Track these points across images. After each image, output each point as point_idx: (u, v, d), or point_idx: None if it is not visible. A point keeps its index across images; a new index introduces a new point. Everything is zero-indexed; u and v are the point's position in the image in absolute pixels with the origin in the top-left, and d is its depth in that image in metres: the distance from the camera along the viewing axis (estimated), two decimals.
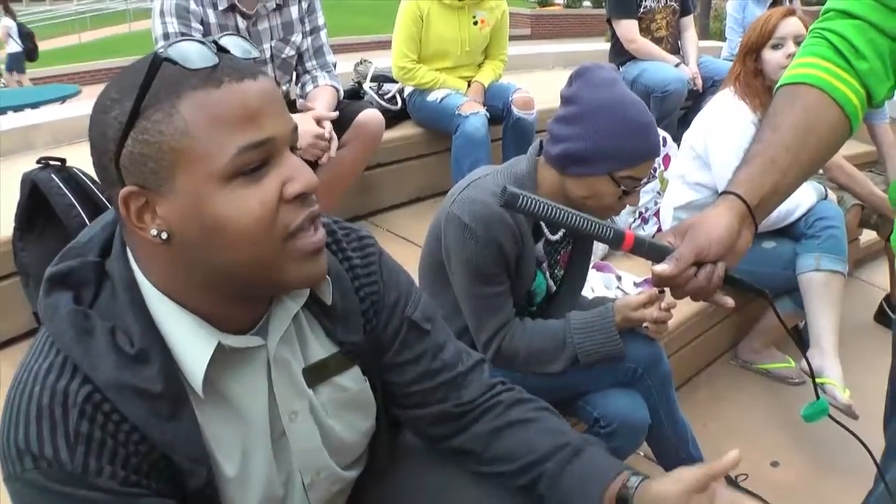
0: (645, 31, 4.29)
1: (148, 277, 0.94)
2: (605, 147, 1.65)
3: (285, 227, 0.90)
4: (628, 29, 4.25)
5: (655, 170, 3.38)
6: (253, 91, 0.87)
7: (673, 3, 4.35)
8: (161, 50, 0.84)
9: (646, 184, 1.76)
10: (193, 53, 0.84)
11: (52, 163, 2.25)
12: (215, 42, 0.89)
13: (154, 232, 0.88)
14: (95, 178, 2.30)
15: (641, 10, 4.27)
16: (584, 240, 1.99)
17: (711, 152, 2.76)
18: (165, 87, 0.84)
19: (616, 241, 1.06)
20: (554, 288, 1.98)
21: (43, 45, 20.11)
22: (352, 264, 1.15)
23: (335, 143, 2.65)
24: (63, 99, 6.52)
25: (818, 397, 1.31)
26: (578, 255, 2.00)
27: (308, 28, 2.87)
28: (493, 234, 1.69)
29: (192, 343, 0.95)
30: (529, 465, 1.19)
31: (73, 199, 2.17)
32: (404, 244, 3.18)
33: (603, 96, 1.67)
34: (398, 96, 3.72)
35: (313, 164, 2.60)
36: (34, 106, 5.60)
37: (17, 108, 5.19)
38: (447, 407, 1.23)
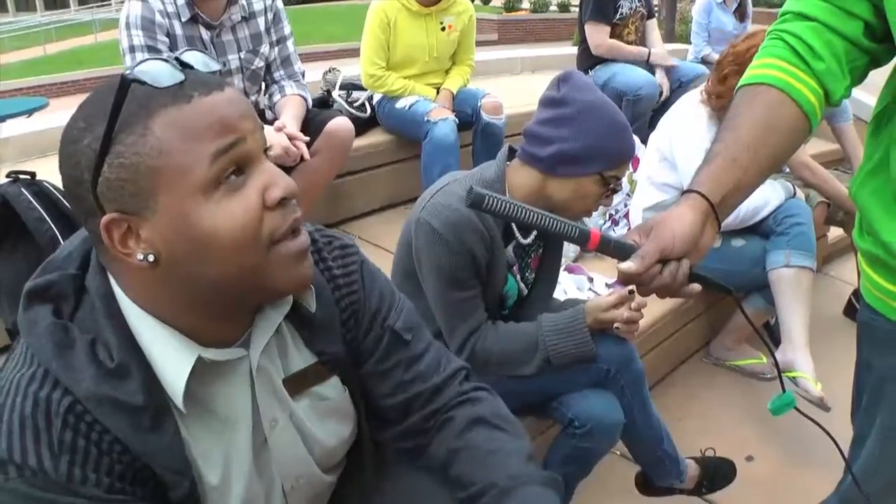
0: (617, 37, 4.38)
1: (128, 294, 0.94)
2: (597, 146, 1.71)
3: (270, 234, 0.91)
4: (599, 34, 4.33)
5: None
6: (222, 102, 0.88)
7: (641, 9, 4.45)
8: (128, 72, 0.84)
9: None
10: (160, 72, 0.85)
11: (21, 177, 2.23)
12: (177, 59, 0.90)
13: (140, 256, 0.88)
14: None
15: (617, 16, 4.35)
16: (554, 243, 2.01)
17: (677, 153, 2.80)
18: (135, 109, 0.84)
19: (582, 240, 1.08)
20: (525, 291, 1.99)
21: (7, 58, 19.93)
22: (332, 274, 1.15)
23: (305, 150, 2.65)
24: (30, 112, 6.40)
25: (784, 390, 1.33)
26: (549, 259, 2.02)
27: (275, 38, 2.86)
28: (463, 239, 1.70)
29: (171, 357, 0.95)
30: (470, 498, 1.17)
31: (43, 213, 2.15)
32: (376, 251, 3.18)
33: (591, 98, 1.73)
34: (367, 104, 3.72)
35: (286, 171, 2.60)
36: (0, 119, 5.52)
37: None
38: (415, 420, 1.23)
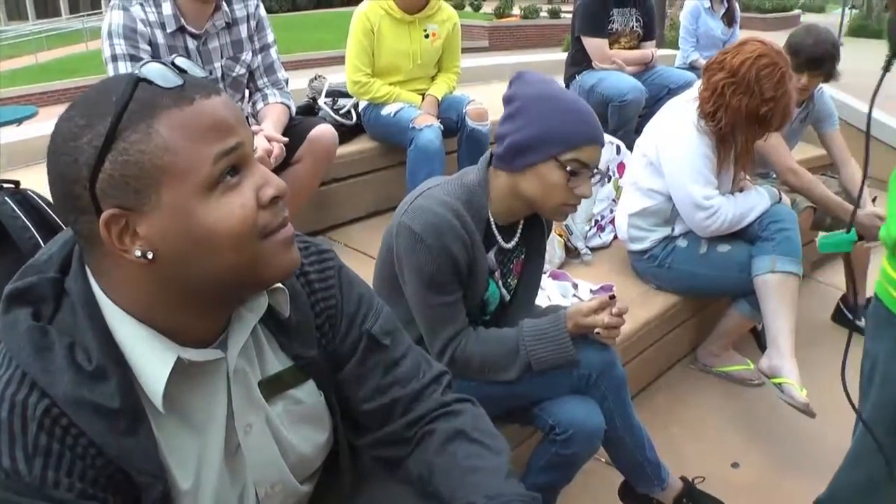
0: None
1: (110, 295, 0.96)
2: (543, 131, 1.71)
3: (262, 230, 0.95)
4: (598, 48, 4.35)
5: (609, 177, 3.41)
6: (221, 105, 0.92)
7: (637, 29, 4.48)
8: (136, 72, 0.89)
9: (598, 181, 1.79)
10: (165, 74, 0.90)
11: (5, 185, 2.22)
12: (173, 63, 0.93)
13: (138, 253, 0.90)
14: (50, 199, 2.26)
15: (608, 31, 4.38)
16: (537, 249, 2.00)
17: (663, 158, 2.80)
18: (138, 108, 0.87)
19: None
20: (508, 297, 1.99)
21: None
22: (308, 279, 1.17)
23: (281, 149, 2.65)
24: (20, 121, 6.40)
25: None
26: (532, 265, 2.01)
27: (258, 45, 2.86)
28: (443, 242, 1.70)
29: (151, 358, 0.96)
30: None
31: (27, 221, 2.14)
32: (362, 258, 3.18)
33: (538, 89, 1.75)
34: (353, 111, 3.72)
35: None
36: None
37: None
38: (395, 427, 1.23)
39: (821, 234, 1.35)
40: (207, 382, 1.04)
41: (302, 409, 1.16)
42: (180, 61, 0.94)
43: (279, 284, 1.07)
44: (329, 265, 1.20)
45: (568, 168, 1.71)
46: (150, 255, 0.90)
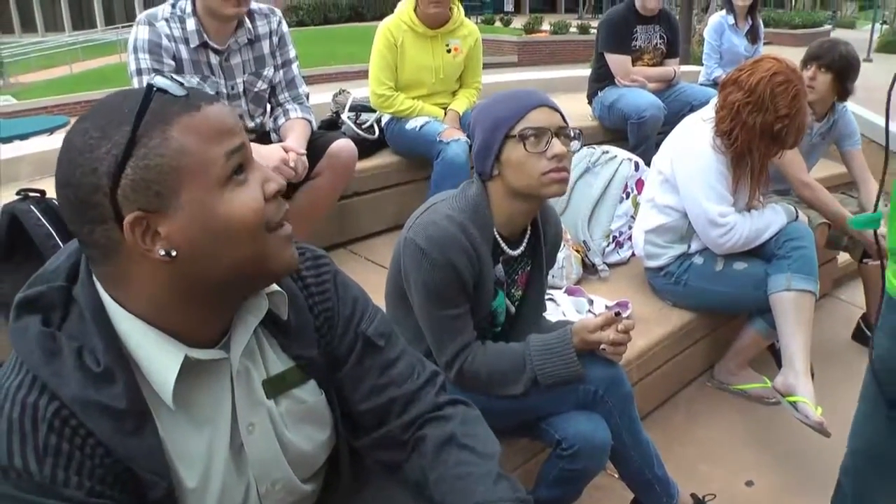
0: None
1: (120, 300, 1.01)
2: (489, 124, 1.81)
3: (268, 222, 1.02)
4: (621, 64, 4.38)
5: (629, 194, 3.42)
6: (222, 111, 1.01)
7: (661, 46, 4.52)
8: (150, 82, 0.97)
9: (576, 137, 1.84)
10: (172, 85, 0.97)
11: (31, 194, 2.28)
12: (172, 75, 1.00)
13: (161, 252, 0.96)
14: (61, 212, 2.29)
15: (631, 48, 4.41)
16: (541, 261, 2.02)
17: (678, 175, 2.80)
18: (153, 116, 0.94)
19: None
20: (513, 309, 2.01)
21: (35, 76, 20.23)
22: (305, 283, 1.22)
23: (302, 166, 2.69)
24: (52, 130, 6.53)
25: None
26: (536, 276, 2.04)
27: (280, 61, 2.91)
28: (448, 256, 1.74)
29: (159, 357, 1.02)
30: None
31: (51, 229, 2.19)
32: (383, 272, 3.18)
33: (483, 103, 1.88)
34: (375, 126, 3.75)
35: (290, 190, 2.66)
36: (23, 137, 5.63)
37: (6, 140, 5.21)
38: (391, 428, 1.27)
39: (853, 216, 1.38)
40: (213, 382, 1.09)
41: (304, 408, 1.20)
42: (176, 77, 1.01)
43: (277, 287, 1.13)
44: (325, 269, 1.25)
45: (519, 136, 1.77)
46: (173, 253, 0.96)
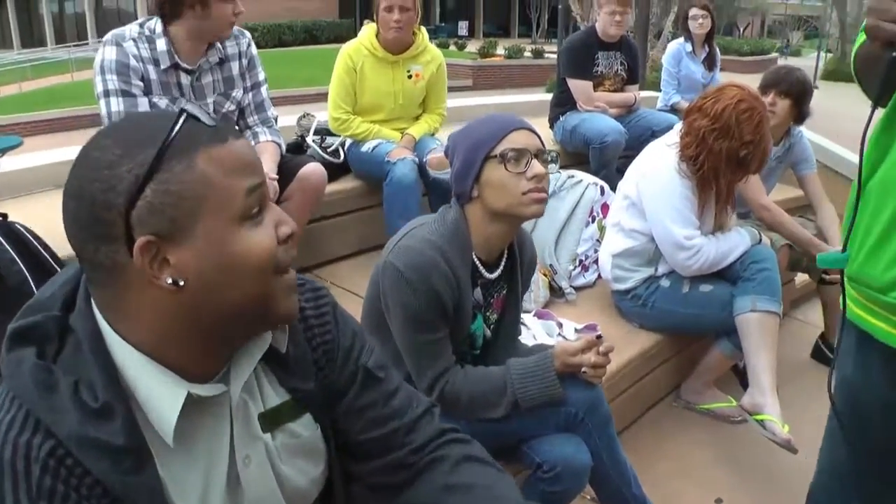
0: None
1: (119, 330, 0.97)
2: (468, 147, 1.84)
3: (279, 263, 1.00)
4: (583, 89, 4.45)
5: (594, 218, 3.46)
6: (246, 146, 1.00)
7: (622, 72, 4.59)
8: (184, 107, 0.96)
9: (552, 160, 1.88)
10: (204, 114, 0.96)
11: None
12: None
13: (169, 280, 0.92)
14: (37, 232, 2.24)
15: (593, 73, 4.49)
16: (517, 284, 2.04)
17: (644, 199, 2.85)
18: (181, 142, 0.92)
19: None
20: (489, 333, 2.02)
21: None
22: (305, 315, 1.19)
23: (273, 189, 2.67)
24: (3, 151, 6.35)
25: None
26: (512, 299, 2.05)
27: (249, 84, 2.89)
28: (428, 281, 1.74)
29: (161, 393, 0.98)
30: None
31: (13, 254, 2.14)
32: (348, 296, 3.18)
33: (460, 130, 1.90)
34: (341, 149, 3.75)
35: None
36: None
37: None
38: (399, 455, 1.25)
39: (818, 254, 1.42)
40: (211, 416, 1.06)
41: (299, 442, 1.18)
42: (190, 107, 0.98)
43: None
44: (324, 301, 1.23)
45: (500, 156, 1.79)
46: (181, 283, 0.93)
